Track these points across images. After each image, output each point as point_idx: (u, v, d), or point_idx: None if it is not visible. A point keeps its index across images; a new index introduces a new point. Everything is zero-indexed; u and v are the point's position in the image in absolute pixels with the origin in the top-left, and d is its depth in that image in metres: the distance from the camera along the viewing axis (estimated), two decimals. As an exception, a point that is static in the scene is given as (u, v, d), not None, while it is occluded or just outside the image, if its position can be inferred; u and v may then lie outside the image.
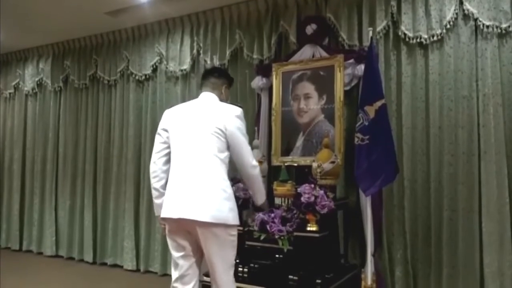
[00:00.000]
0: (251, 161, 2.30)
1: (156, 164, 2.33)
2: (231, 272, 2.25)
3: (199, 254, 2.27)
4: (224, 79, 2.51)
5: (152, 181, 2.34)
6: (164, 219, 2.25)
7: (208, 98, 2.40)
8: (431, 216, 3.20)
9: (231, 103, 2.43)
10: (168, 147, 2.33)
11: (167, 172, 2.32)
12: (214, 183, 2.17)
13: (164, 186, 2.31)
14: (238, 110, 2.30)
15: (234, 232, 2.23)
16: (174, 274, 2.26)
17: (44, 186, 5.50)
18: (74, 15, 4.46)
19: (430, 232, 3.20)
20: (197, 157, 2.21)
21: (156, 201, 2.34)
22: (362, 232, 3.15)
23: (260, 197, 2.49)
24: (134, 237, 4.65)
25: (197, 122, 2.27)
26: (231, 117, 2.25)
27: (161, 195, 2.30)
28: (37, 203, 5.52)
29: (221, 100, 2.43)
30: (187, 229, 2.19)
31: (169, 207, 2.21)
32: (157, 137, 2.39)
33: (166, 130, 2.34)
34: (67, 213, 5.25)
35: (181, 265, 2.23)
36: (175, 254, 2.26)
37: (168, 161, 2.33)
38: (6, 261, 5.07)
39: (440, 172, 3.18)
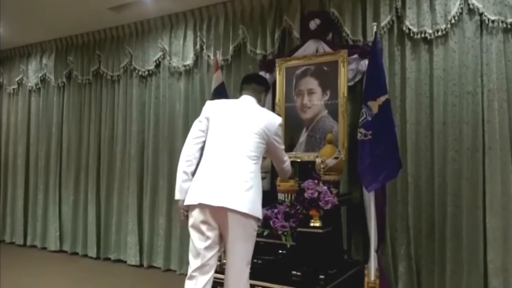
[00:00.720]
0: (284, 161, 2.60)
1: (191, 149, 2.36)
2: (248, 270, 2.29)
3: (219, 246, 2.31)
4: (263, 87, 2.64)
5: (184, 164, 2.34)
6: (192, 206, 2.25)
7: (250, 101, 2.50)
8: (435, 212, 3.19)
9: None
10: (205, 136, 2.38)
11: (198, 159, 2.36)
12: (251, 178, 2.25)
13: (193, 172, 2.34)
14: (280, 119, 2.48)
15: (257, 228, 2.31)
16: (195, 263, 2.25)
17: (48, 181, 5.52)
18: (78, 11, 4.45)
19: (434, 228, 3.19)
20: (237, 151, 2.28)
21: (183, 184, 2.32)
22: (365, 228, 3.15)
23: (284, 177, 2.88)
24: (137, 232, 4.66)
25: (242, 120, 2.36)
26: (275, 125, 2.41)
27: (189, 180, 2.32)
28: (41, 198, 5.55)
29: (259, 105, 2.55)
30: (217, 218, 2.22)
31: (205, 194, 2.22)
32: (197, 124, 2.42)
33: (208, 119, 2.40)
34: (70, 208, 5.27)
35: (203, 255, 2.24)
36: (199, 244, 2.25)
37: (201, 149, 2.37)
38: (11, 256, 5.11)
39: (444, 168, 3.17)
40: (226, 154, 2.28)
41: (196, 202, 2.23)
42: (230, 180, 2.22)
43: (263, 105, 2.59)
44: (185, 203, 2.29)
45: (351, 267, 3.15)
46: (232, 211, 2.16)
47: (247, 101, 2.50)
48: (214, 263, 2.28)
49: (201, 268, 2.24)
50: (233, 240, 2.21)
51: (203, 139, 2.38)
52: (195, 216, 2.25)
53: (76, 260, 4.99)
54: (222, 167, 2.26)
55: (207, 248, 2.24)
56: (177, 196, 2.36)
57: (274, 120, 2.43)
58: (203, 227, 2.23)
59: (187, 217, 2.31)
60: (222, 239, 2.28)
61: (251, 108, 2.46)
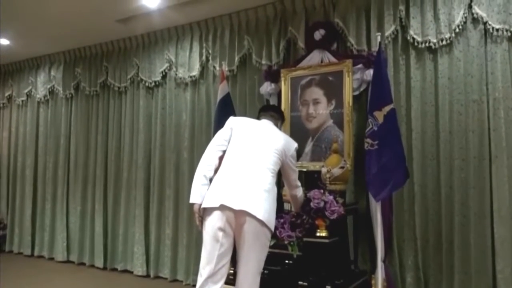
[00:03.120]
0: (297, 185, 2.70)
1: (213, 155, 2.44)
2: (259, 279, 2.31)
3: (230, 256, 2.32)
4: (280, 116, 2.85)
5: (205, 168, 2.40)
6: (209, 210, 2.27)
7: (270, 124, 2.66)
8: (442, 221, 3.17)
9: None
10: (227, 145, 2.46)
11: (217, 166, 2.43)
12: (269, 189, 2.33)
13: (211, 178, 2.40)
14: (296, 144, 2.61)
15: (270, 239, 2.36)
16: (206, 270, 2.25)
17: (55, 191, 5.56)
18: (86, 23, 4.52)
19: (441, 237, 3.17)
20: (258, 162, 2.38)
21: (201, 188, 2.36)
22: (372, 237, 3.13)
23: (296, 208, 2.89)
24: (144, 242, 4.67)
25: (263, 136, 2.50)
26: (292, 148, 2.55)
27: (207, 185, 2.37)
28: (48, 209, 5.58)
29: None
30: (234, 223, 2.24)
31: (227, 197, 2.25)
32: (221, 133, 2.52)
33: (232, 130, 2.50)
34: (78, 218, 5.30)
35: (216, 262, 2.25)
36: (213, 251, 2.25)
37: (221, 157, 2.45)
38: (19, 266, 5.14)
39: (451, 177, 3.15)
40: (247, 162, 2.36)
41: (217, 204, 2.25)
42: (250, 187, 2.28)
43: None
44: (204, 205, 2.31)
45: (358, 277, 3.13)
46: (251, 216, 2.21)
47: (268, 123, 2.66)
48: (225, 272, 2.29)
49: (212, 277, 2.24)
50: (248, 247, 2.24)
51: (225, 148, 2.46)
52: (212, 222, 2.26)
53: (83, 271, 5.00)
54: (242, 174, 2.32)
55: (220, 255, 2.25)
56: (194, 199, 2.36)
57: (292, 144, 2.57)
58: (219, 234, 2.24)
59: (202, 222, 2.33)
60: (232, 249, 2.30)
61: (272, 128, 2.62)
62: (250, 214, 2.21)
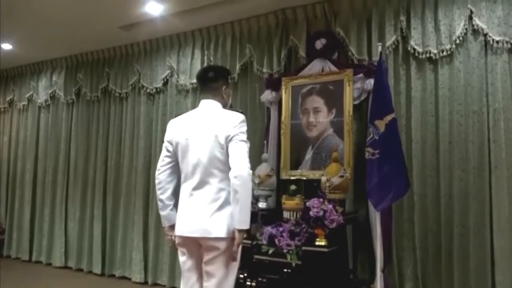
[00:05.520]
0: (243, 168, 2.10)
1: (160, 176, 2.34)
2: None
3: (199, 273, 2.28)
4: (222, 79, 2.36)
5: (157, 192, 2.35)
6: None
7: (209, 107, 2.31)
8: (442, 231, 3.17)
9: (235, 109, 2.36)
10: (173, 159, 2.33)
11: (171, 183, 2.34)
12: (219, 198, 2.17)
13: (169, 198, 2.32)
14: (241, 116, 2.22)
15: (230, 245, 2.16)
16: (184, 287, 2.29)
17: (54, 196, 5.55)
18: (88, 29, 4.55)
19: (441, 247, 3.16)
20: (200, 170, 2.20)
21: (161, 212, 2.35)
22: (371, 247, 3.13)
23: (242, 218, 2.11)
24: (142, 249, 4.65)
25: (200, 134, 2.22)
26: (234, 124, 2.17)
27: (166, 206, 2.32)
28: (47, 214, 5.57)
29: (223, 104, 2.35)
30: (195, 246, 2.22)
31: (179, 224, 2.25)
32: (163, 148, 2.39)
33: (170, 142, 2.32)
34: (76, 224, 5.28)
35: (187, 277, 2.25)
36: (183, 266, 2.28)
37: (172, 173, 2.34)
38: (16, 271, 5.12)
39: (451, 187, 3.15)
40: (190, 176, 2.23)
41: (176, 233, 2.26)
42: (195, 205, 2.19)
43: (227, 99, 2.40)
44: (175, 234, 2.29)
45: (357, 286, 3.12)
46: (199, 238, 2.15)
47: (206, 108, 2.31)
48: (200, 286, 2.25)
49: None
50: (207, 264, 2.17)
51: (172, 163, 2.32)
52: (177, 240, 2.28)
53: (81, 277, 4.97)
54: (189, 192, 2.23)
55: (190, 270, 2.25)
56: (162, 223, 2.40)
57: (235, 119, 2.19)
58: (185, 250, 2.26)
59: (172, 242, 2.33)
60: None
61: (209, 116, 2.26)
62: (203, 237, 2.14)
